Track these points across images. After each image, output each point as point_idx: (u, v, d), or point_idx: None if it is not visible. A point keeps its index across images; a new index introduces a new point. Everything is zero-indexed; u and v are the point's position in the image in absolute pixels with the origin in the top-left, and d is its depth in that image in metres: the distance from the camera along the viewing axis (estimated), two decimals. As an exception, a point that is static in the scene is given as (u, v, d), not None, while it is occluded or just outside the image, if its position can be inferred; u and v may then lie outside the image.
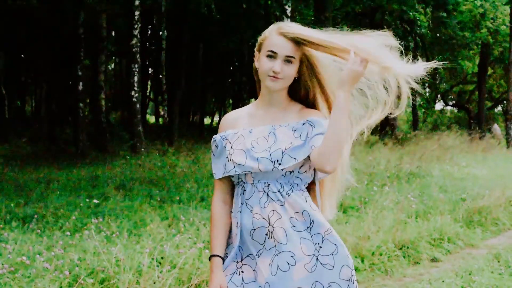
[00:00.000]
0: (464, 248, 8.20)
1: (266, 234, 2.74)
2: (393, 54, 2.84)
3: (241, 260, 2.81)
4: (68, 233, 7.25)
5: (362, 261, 6.90)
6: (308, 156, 2.74)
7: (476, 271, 6.68)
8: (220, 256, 2.84)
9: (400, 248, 7.47)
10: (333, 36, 2.77)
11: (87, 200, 9.55)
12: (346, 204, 9.62)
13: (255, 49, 2.88)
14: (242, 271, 2.80)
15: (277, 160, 2.71)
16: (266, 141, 2.78)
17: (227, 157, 2.82)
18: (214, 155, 2.93)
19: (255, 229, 2.75)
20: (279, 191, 2.76)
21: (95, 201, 9.43)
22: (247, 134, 2.83)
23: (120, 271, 5.35)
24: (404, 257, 7.34)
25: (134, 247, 6.23)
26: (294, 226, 2.73)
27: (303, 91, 2.93)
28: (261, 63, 2.78)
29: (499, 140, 27.37)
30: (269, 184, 2.76)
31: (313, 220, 2.76)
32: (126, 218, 8.36)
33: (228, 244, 2.90)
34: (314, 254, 2.72)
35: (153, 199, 10.06)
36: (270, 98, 2.87)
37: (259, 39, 2.85)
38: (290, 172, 2.77)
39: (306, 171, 2.83)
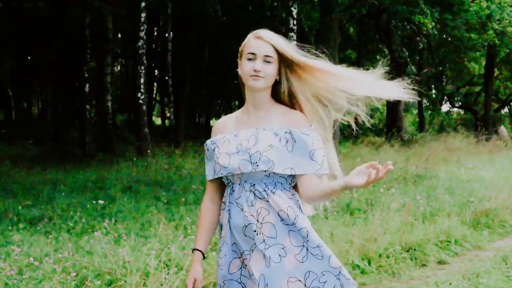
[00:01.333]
0: (471, 250, 8.18)
1: (255, 231, 2.89)
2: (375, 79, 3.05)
3: (241, 256, 2.97)
4: (75, 235, 7.28)
5: (369, 263, 6.89)
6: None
7: (483, 273, 6.66)
8: (201, 251, 3.09)
9: (407, 250, 7.46)
10: (314, 61, 3.03)
11: (94, 202, 9.57)
12: (352, 206, 9.61)
13: (238, 59, 3.05)
14: (246, 265, 2.95)
15: (256, 162, 2.87)
16: (247, 143, 2.94)
17: (215, 161, 3.02)
18: (207, 158, 3.15)
19: (246, 226, 2.91)
20: (264, 190, 2.92)
21: (101, 202, 9.45)
22: (232, 138, 3.02)
23: (127, 273, 5.36)
24: (411, 259, 7.33)
25: (141, 249, 6.24)
26: (282, 219, 2.90)
27: (285, 93, 3.08)
28: (243, 67, 2.97)
29: (506, 141, 27.30)
30: (254, 184, 2.93)
31: (297, 216, 2.91)
32: (133, 219, 8.38)
33: (220, 239, 3.09)
34: (303, 245, 2.88)
35: (160, 201, 10.07)
36: (254, 100, 3.04)
37: (240, 48, 3.04)
38: (274, 173, 2.92)
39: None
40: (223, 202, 3.08)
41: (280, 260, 2.84)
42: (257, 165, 2.86)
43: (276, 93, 3.09)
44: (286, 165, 2.90)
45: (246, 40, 3.02)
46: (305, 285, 2.84)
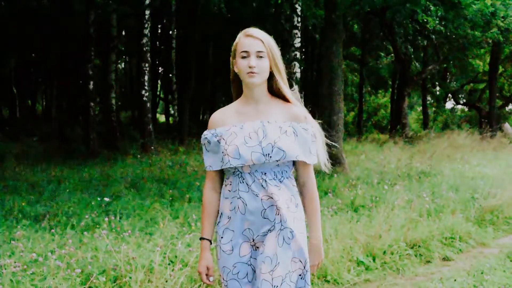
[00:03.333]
0: (476, 247, 8.17)
1: (276, 212, 3.13)
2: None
3: (253, 239, 3.20)
4: (79, 231, 7.29)
5: (374, 260, 6.88)
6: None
7: (488, 270, 6.66)
8: (209, 240, 3.28)
9: (412, 247, 7.46)
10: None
11: (99, 198, 9.57)
12: (357, 203, 9.60)
13: (230, 58, 3.27)
14: (257, 247, 3.20)
15: (268, 154, 3.11)
16: (257, 136, 3.15)
17: (222, 152, 3.18)
18: (207, 150, 3.31)
19: (265, 209, 3.14)
20: (274, 178, 3.17)
21: (106, 199, 9.45)
22: (238, 130, 3.20)
23: (132, 269, 5.36)
24: (415, 256, 7.33)
25: (145, 246, 6.25)
26: (288, 207, 3.17)
27: (275, 85, 3.29)
28: (238, 65, 3.18)
29: (510, 138, 27.25)
30: (265, 173, 3.17)
31: (297, 203, 3.24)
32: (137, 216, 8.39)
33: (220, 226, 3.27)
34: (303, 232, 3.21)
35: (164, 198, 10.08)
36: (253, 95, 3.24)
37: (232, 48, 3.25)
38: (283, 162, 3.19)
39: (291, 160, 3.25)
40: (229, 191, 3.23)
41: (289, 243, 3.12)
42: (270, 157, 3.10)
43: (270, 87, 3.30)
44: (295, 153, 3.15)
45: (237, 40, 3.22)
46: (304, 267, 3.19)
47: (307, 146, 3.21)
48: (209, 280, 3.27)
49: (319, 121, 3.41)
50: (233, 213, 3.20)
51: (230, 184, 3.23)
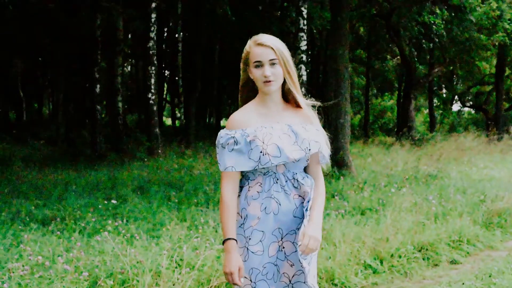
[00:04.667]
0: (483, 250, 8.14)
1: (305, 209, 3.26)
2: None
3: (281, 239, 3.28)
4: (87, 235, 7.29)
5: (381, 263, 6.87)
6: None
7: (496, 273, 6.63)
8: (235, 240, 3.24)
9: (419, 250, 7.43)
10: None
11: (106, 202, 9.59)
12: (364, 206, 9.58)
13: (241, 64, 3.34)
14: (284, 247, 3.29)
15: (307, 147, 3.26)
16: (289, 137, 3.25)
17: (261, 152, 3.19)
18: (230, 150, 3.25)
19: (297, 208, 3.29)
20: (302, 178, 3.33)
21: (114, 202, 9.47)
22: (271, 130, 3.25)
23: (139, 272, 5.37)
24: (423, 259, 7.30)
25: (152, 249, 6.25)
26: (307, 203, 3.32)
27: (287, 90, 3.38)
28: (253, 74, 3.25)
29: (517, 141, 27.14)
30: (296, 173, 3.32)
31: (310, 199, 3.33)
32: (144, 220, 8.39)
33: (246, 228, 3.31)
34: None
35: (171, 201, 10.08)
36: (271, 99, 3.33)
37: (243, 55, 3.31)
38: (306, 161, 3.38)
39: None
40: (258, 192, 3.30)
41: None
42: (309, 150, 3.26)
43: (282, 92, 3.39)
44: (322, 144, 3.35)
45: (248, 48, 3.28)
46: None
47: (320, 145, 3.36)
48: (240, 281, 3.25)
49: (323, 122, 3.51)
50: (263, 214, 3.26)
51: (260, 185, 3.29)
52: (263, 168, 3.26)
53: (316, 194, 3.38)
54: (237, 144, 3.23)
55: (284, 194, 3.27)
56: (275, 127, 3.26)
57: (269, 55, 3.20)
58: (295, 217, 3.29)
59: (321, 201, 3.39)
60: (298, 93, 3.36)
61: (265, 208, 3.26)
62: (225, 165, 3.25)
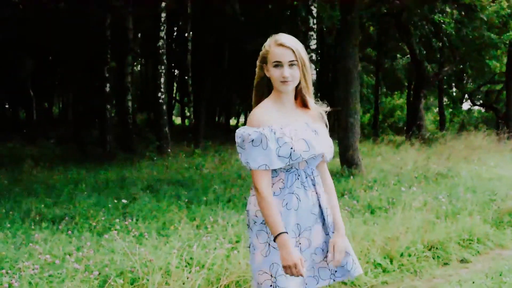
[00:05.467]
0: (494, 249, 8.10)
1: (320, 206, 3.41)
2: None
3: (299, 235, 3.35)
4: (97, 233, 7.32)
5: (391, 262, 6.85)
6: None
7: (506, 272, 6.60)
8: (286, 232, 3.22)
9: (429, 249, 7.41)
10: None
11: (115, 201, 9.62)
12: (373, 205, 9.56)
13: (257, 62, 3.38)
14: (300, 243, 3.35)
15: (328, 143, 3.44)
16: (312, 133, 3.35)
17: (291, 148, 3.22)
18: (263, 147, 3.22)
19: (314, 204, 3.38)
20: (317, 175, 3.46)
21: (124, 201, 9.49)
22: (296, 126, 3.32)
23: (149, 271, 5.38)
24: (433, 258, 7.28)
25: (162, 248, 6.26)
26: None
27: (300, 91, 3.45)
28: (271, 73, 3.30)
29: (528, 140, 26.99)
30: (313, 170, 3.43)
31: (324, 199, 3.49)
32: (154, 218, 8.40)
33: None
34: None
35: (181, 200, 10.08)
36: (286, 98, 3.39)
37: (261, 53, 3.35)
38: (322, 156, 3.47)
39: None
40: (280, 188, 3.32)
41: (329, 234, 3.46)
42: (331, 146, 3.46)
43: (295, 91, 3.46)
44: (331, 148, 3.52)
45: (267, 47, 3.32)
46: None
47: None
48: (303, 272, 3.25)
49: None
50: (285, 209, 3.29)
51: (282, 182, 3.32)
52: (288, 165, 3.29)
53: (330, 193, 3.53)
54: (266, 141, 3.20)
55: (303, 190, 3.34)
56: (296, 124, 3.33)
57: (289, 56, 3.24)
58: (312, 213, 3.37)
59: (336, 200, 3.55)
60: (310, 96, 3.42)
61: (287, 204, 3.29)
62: (258, 163, 3.22)
